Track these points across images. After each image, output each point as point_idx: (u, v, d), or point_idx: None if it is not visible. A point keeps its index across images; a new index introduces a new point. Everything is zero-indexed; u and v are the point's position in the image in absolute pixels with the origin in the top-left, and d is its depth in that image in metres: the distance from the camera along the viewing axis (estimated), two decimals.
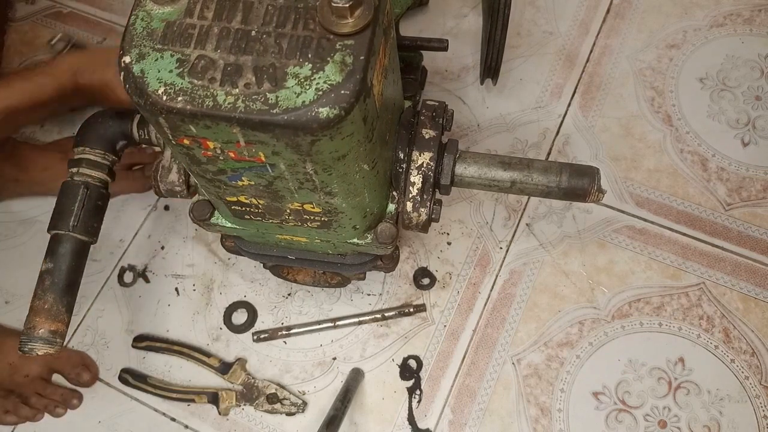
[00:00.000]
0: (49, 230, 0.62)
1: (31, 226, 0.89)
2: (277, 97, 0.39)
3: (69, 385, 0.80)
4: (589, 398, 0.75)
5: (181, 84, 0.40)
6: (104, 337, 0.83)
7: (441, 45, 0.78)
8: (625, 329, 0.77)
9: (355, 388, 0.75)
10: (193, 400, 0.78)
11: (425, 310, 0.80)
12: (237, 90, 0.39)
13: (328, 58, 0.40)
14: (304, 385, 0.78)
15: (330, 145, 0.41)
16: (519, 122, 0.88)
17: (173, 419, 0.78)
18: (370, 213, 0.55)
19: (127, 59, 0.41)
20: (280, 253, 0.64)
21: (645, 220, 0.82)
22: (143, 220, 0.88)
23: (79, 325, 0.84)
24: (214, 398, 0.78)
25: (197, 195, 0.60)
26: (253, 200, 0.51)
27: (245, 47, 0.41)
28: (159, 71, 0.40)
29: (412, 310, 0.79)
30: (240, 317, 0.82)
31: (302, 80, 0.39)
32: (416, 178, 0.55)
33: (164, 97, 0.40)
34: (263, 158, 0.43)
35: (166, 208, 0.88)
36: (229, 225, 0.59)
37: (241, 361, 0.79)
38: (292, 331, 0.80)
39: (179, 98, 0.40)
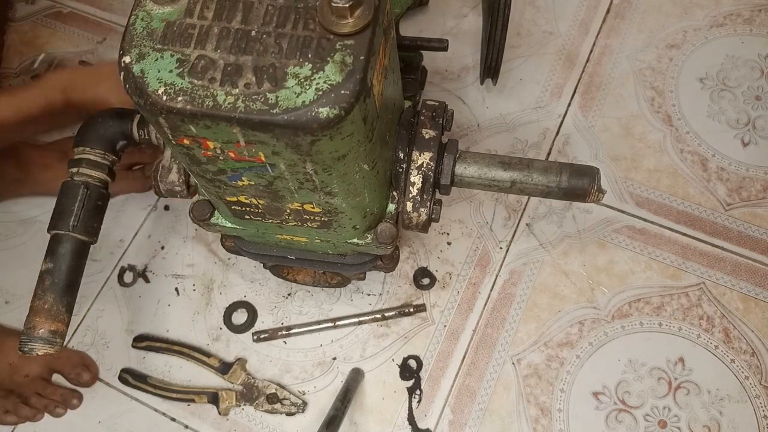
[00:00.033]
0: (49, 230, 0.62)
1: (31, 226, 0.89)
2: (277, 97, 0.39)
3: (69, 385, 0.80)
4: (589, 398, 0.75)
5: (181, 84, 0.40)
6: (104, 337, 0.83)
7: (441, 45, 0.78)
8: (625, 329, 0.77)
9: (355, 388, 0.75)
10: (193, 400, 0.78)
11: (425, 310, 0.80)
12: (237, 90, 0.40)
13: (328, 58, 0.40)
14: (304, 385, 0.78)
15: (330, 145, 0.41)
16: (519, 122, 0.88)
17: (173, 419, 0.78)
18: (370, 213, 0.55)
19: (127, 59, 0.41)
20: (280, 253, 0.64)
21: (645, 220, 0.82)
22: (143, 220, 0.88)
23: (79, 325, 0.84)
24: (214, 398, 0.78)
25: (197, 195, 0.60)
26: (253, 200, 0.51)
27: (245, 47, 0.41)
28: (159, 71, 0.40)
29: (412, 310, 0.79)
30: (240, 317, 0.82)
31: (302, 80, 0.39)
32: (416, 178, 0.55)
33: (164, 97, 0.40)
34: (263, 158, 0.43)
35: (166, 208, 0.88)
36: (229, 225, 0.59)
37: (241, 361, 0.79)
38: (292, 331, 0.80)
39: (179, 98, 0.40)
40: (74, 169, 0.63)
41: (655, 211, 0.82)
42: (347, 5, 0.39)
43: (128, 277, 0.85)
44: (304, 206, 0.51)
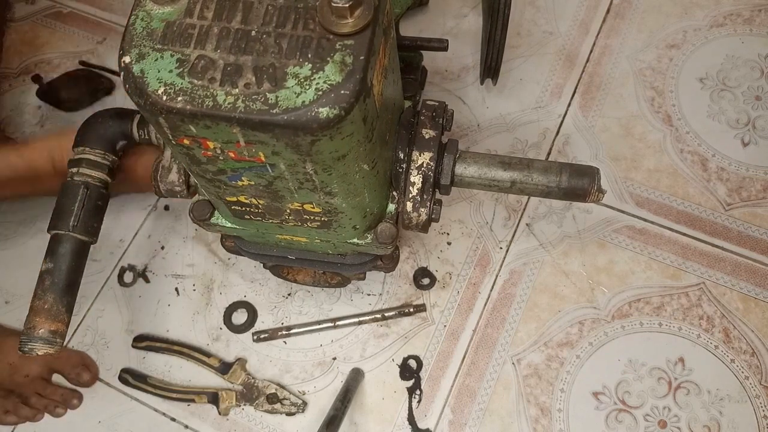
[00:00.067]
0: (49, 230, 0.62)
1: (31, 226, 0.89)
2: (277, 97, 0.39)
3: (69, 385, 0.80)
4: (589, 398, 0.75)
5: (181, 84, 0.40)
6: (104, 337, 0.83)
7: (441, 45, 0.78)
8: (625, 329, 0.77)
9: (355, 388, 0.75)
10: (193, 400, 0.78)
11: (425, 310, 0.80)
12: (237, 90, 0.40)
13: (328, 58, 0.40)
14: (304, 385, 0.78)
15: (330, 145, 0.41)
16: (519, 122, 0.88)
17: (173, 419, 0.78)
18: (370, 213, 0.55)
19: (126, 59, 0.41)
20: (280, 253, 0.64)
21: (645, 220, 0.82)
22: (143, 220, 0.88)
23: (79, 325, 0.84)
24: (214, 398, 0.78)
25: (197, 195, 0.60)
26: (253, 200, 0.51)
27: (245, 47, 0.41)
28: (159, 71, 0.40)
29: (412, 310, 0.79)
30: (240, 317, 0.82)
31: (302, 80, 0.39)
32: (416, 178, 0.55)
33: (164, 97, 0.40)
34: (263, 158, 0.43)
35: (166, 208, 0.88)
36: (229, 225, 0.59)
37: (241, 361, 0.79)
38: (292, 331, 0.80)
39: (179, 98, 0.40)
40: (74, 169, 0.63)
41: (655, 211, 0.82)
42: (347, 5, 0.39)
43: (128, 277, 0.85)
44: (304, 206, 0.51)
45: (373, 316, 0.80)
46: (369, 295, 0.81)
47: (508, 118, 0.89)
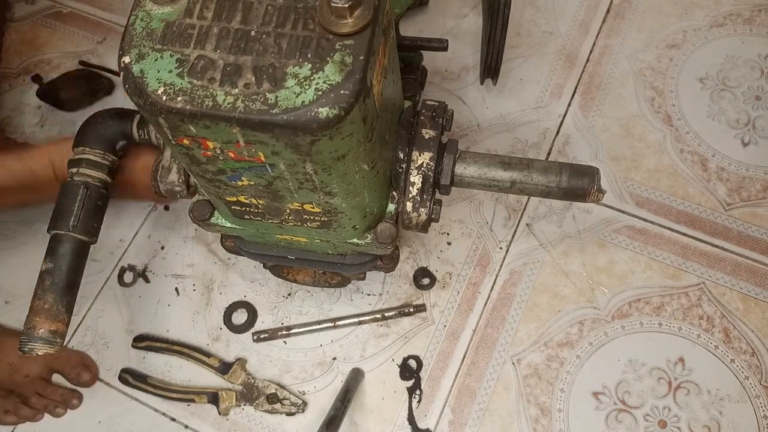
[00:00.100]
0: (49, 230, 0.62)
1: (31, 226, 0.89)
2: (276, 97, 0.39)
3: (69, 385, 0.80)
4: (589, 398, 0.75)
5: (181, 84, 0.40)
6: (104, 337, 0.83)
7: (441, 45, 0.78)
8: (625, 329, 0.77)
9: (355, 388, 0.75)
10: (193, 400, 0.78)
11: (425, 310, 0.80)
12: (236, 90, 0.40)
13: (328, 58, 0.40)
14: (304, 385, 0.78)
15: (330, 145, 0.41)
16: (519, 122, 0.88)
17: (173, 419, 0.78)
18: (370, 213, 0.55)
19: (126, 59, 0.41)
20: (280, 253, 0.64)
21: (645, 220, 0.82)
22: (143, 220, 0.88)
23: (79, 325, 0.84)
24: (214, 398, 0.78)
25: (197, 195, 0.60)
26: (253, 200, 0.51)
27: (245, 47, 0.41)
28: (158, 71, 0.40)
29: (412, 310, 0.79)
30: (240, 317, 0.82)
31: (302, 80, 0.39)
32: (416, 178, 0.55)
33: (164, 97, 0.40)
34: (263, 158, 0.43)
35: (166, 208, 0.88)
36: (229, 225, 0.59)
37: (241, 361, 0.79)
38: (292, 331, 0.80)
39: (179, 98, 0.40)
40: (74, 169, 0.63)
41: (655, 211, 0.82)
42: (347, 5, 0.39)
43: (128, 277, 0.85)
44: (304, 206, 0.51)
45: (373, 316, 0.80)
46: (369, 295, 0.81)
47: (508, 118, 0.89)
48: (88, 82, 0.94)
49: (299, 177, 0.46)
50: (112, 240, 0.87)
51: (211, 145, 0.43)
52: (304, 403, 0.77)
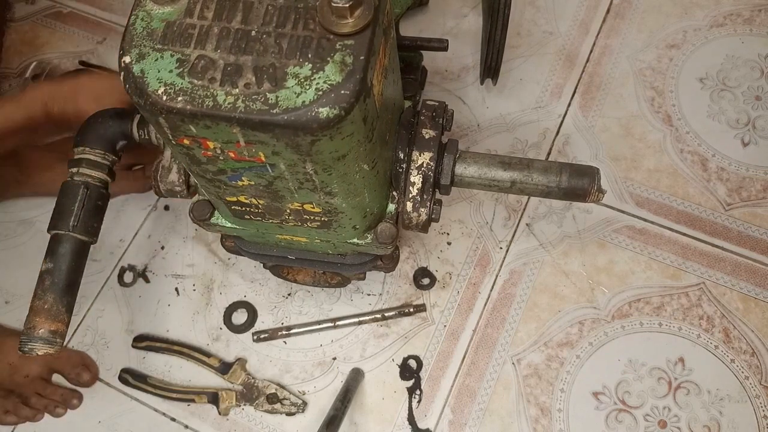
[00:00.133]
0: (49, 230, 0.62)
1: (31, 226, 0.89)
2: (277, 97, 0.39)
3: (69, 385, 0.80)
4: (589, 398, 0.75)
5: (181, 84, 0.40)
6: (104, 337, 0.83)
7: (441, 45, 0.78)
8: (625, 329, 0.77)
9: (355, 388, 0.75)
10: (193, 400, 0.78)
11: (425, 310, 0.80)
12: (237, 90, 0.39)
13: (328, 58, 0.40)
14: (304, 385, 0.78)
15: (330, 145, 0.41)
16: (519, 122, 0.88)
17: (173, 419, 0.78)
18: (370, 213, 0.55)
19: (127, 59, 0.41)
20: (280, 253, 0.64)
21: (645, 220, 0.82)
22: (143, 220, 0.88)
23: (79, 325, 0.84)
24: (214, 398, 0.78)
25: (197, 195, 0.60)
26: (253, 200, 0.51)
27: (245, 47, 0.41)
28: (159, 71, 0.40)
29: (412, 310, 0.79)
30: (240, 317, 0.82)
31: (302, 80, 0.39)
32: (416, 178, 0.55)
33: (164, 97, 0.40)
34: (263, 158, 0.43)
35: (166, 208, 0.88)
36: (229, 225, 0.59)
37: (241, 361, 0.79)
38: (292, 331, 0.80)
39: (179, 98, 0.40)
40: (74, 169, 0.63)
41: (655, 211, 0.82)
42: (347, 5, 0.39)
43: (128, 277, 0.85)
44: (304, 206, 0.51)
45: (373, 316, 0.80)
46: (369, 295, 0.81)
47: (508, 118, 0.89)
48: None
49: (299, 177, 0.46)
50: (112, 240, 0.87)
51: (211, 145, 0.43)
52: (304, 403, 0.77)
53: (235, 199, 0.52)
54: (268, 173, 0.46)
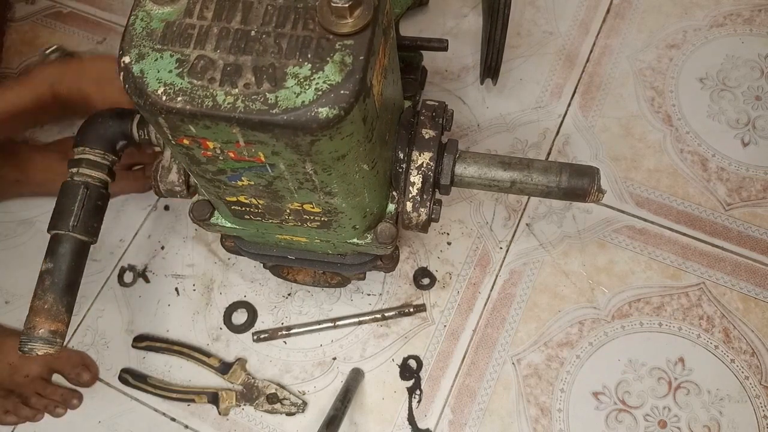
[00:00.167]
0: (49, 230, 0.62)
1: (31, 226, 0.89)
2: (276, 97, 0.39)
3: (69, 385, 0.80)
4: (589, 398, 0.75)
5: (181, 84, 0.40)
6: (104, 337, 0.83)
7: (441, 45, 0.78)
8: (625, 329, 0.77)
9: (355, 388, 0.75)
10: (193, 400, 0.78)
11: (425, 310, 0.80)
12: (236, 90, 0.40)
13: (328, 58, 0.40)
14: (304, 385, 0.78)
15: (330, 145, 0.41)
16: (519, 122, 0.88)
17: (173, 419, 0.78)
18: (370, 213, 0.55)
19: (126, 59, 0.41)
20: (280, 253, 0.64)
21: (645, 220, 0.82)
22: (143, 220, 0.88)
23: (79, 325, 0.84)
24: (214, 398, 0.78)
25: (197, 195, 0.60)
26: (253, 200, 0.51)
27: (245, 47, 0.41)
28: (158, 71, 0.40)
29: (412, 310, 0.79)
30: (240, 317, 0.82)
31: (302, 80, 0.39)
32: (416, 178, 0.55)
33: (164, 97, 0.40)
34: (263, 158, 0.43)
35: (166, 208, 0.88)
36: (229, 225, 0.59)
37: (241, 361, 0.79)
38: (292, 331, 0.80)
39: (179, 98, 0.40)
40: (74, 169, 0.63)
41: (655, 211, 0.82)
42: (347, 5, 0.39)
43: (128, 277, 0.85)
44: (304, 206, 0.51)
45: (373, 316, 0.80)
46: (369, 295, 0.81)
47: (508, 118, 0.89)
48: None
49: (299, 177, 0.46)
50: (112, 240, 0.87)
51: (211, 145, 0.43)
52: (304, 403, 0.77)
53: (234, 199, 0.52)
54: (268, 173, 0.46)
